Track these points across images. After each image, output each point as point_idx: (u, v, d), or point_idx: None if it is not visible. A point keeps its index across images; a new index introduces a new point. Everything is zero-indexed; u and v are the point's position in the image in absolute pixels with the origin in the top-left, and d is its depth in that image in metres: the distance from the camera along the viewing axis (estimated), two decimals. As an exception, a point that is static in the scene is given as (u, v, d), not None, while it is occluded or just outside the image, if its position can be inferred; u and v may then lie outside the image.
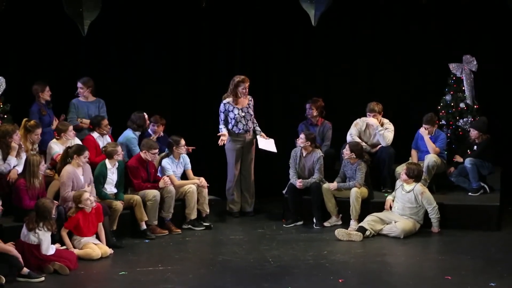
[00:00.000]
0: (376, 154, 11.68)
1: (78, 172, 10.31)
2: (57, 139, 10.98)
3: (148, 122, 11.62)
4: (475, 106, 12.17)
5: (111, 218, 10.44)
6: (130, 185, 10.98)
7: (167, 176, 11.05)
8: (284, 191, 11.46)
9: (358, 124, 11.80)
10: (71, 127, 11.04)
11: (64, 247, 9.82)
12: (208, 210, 11.31)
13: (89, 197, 9.99)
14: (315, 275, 9.19)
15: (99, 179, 10.59)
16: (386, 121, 11.76)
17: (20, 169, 10.26)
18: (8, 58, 12.29)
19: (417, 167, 10.85)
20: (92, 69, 12.48)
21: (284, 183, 11.47)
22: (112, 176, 10.72)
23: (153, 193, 10.82)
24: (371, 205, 11.09)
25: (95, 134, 11.31)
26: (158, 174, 11.23)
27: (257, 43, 12.94)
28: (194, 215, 11.19)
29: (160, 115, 11.75)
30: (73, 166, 10.31)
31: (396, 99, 12.72)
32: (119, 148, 10.78)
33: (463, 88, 12.16)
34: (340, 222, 11.20)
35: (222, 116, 11.56)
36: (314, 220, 11.23)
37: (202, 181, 11.28)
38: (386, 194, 11.26)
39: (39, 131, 10.77)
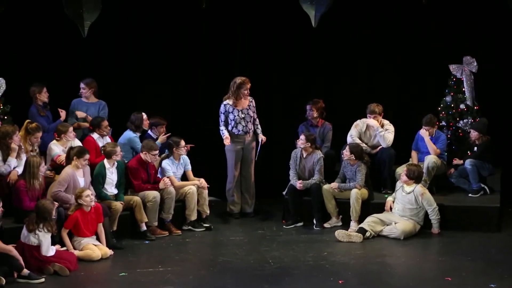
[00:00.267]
0: (377, 155, 11.67)
1: (77, 175, 10.30)
2: (57, 140, 10.98)
3: (147, 122, 11.60)
4: (475, 107, 12.17)
5: (111, 219, 10.44)
6: (130, 186, 10.97)
7: (167, 177, 11.05)
8: (284, 192, 11.45)
9: (358, 125, 11.79)
10: (71, 128, 11.04)
11: (64, 248, 9.81)
12: (208, 211, 11.31)
13: (90, 194, 9.98)
14: (315, 276, 9.19)
15: (98, 179, 10.59)
16: (386, 122, 11.76)
17: (20, 170, 10.26)
18: (8, 59, 12.30)
19: (418, 168, 10.84)
20: (92, 69, 12.50)
21: (284, 184, 11.47)
22: (112, 176, 10.72)
23: (153, 194, 10.82)
24: (371, 206, 11.09)
25: (95, 135, 11.31)
26: (158, 175, 11.23)
27: (257, 43, 12.94)
28: (194, 216, 11.19)
29: (160, 115, 11.74)
30: (72, 168, 10.30)
31: (396, 100, 12.73)
32: (118, 148, 10.78)
33: (463, 89, 12.16)
34: (340, 223, 11.20)
35: (222, 117, 11.56)
36: (314, 221, 11.23)
37: (202, 182, 11.28)
38: (386, 195, 11.25)
39: (39, 134, 10.77)
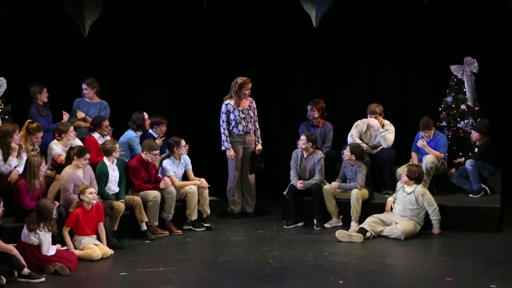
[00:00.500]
0: (377, 156, 11.67)
1: (78, 174, 10.31)
2: (57, 139, 10.98)
3: (148, 122, 11.61)
4: (476, 108, 12.17)
5: (112, 219, 10.44)
6: (131, 186, 10.97)
7: (168, 177, 11.06)
8: (284, 192, 11.46)
9: (358, 126, 11.79)
10: (71, 128, 11.04)
11: (64, 248, 9.81)
12: (208, 211, 11.31)
13: (93, 192, 9.98)
14: (315, 276, 9.19)
15: (101, 178, 10.59)
16: (387, 122, 11.76)
17: (21, 169, 10.26)
18: (9, 58, 12.30)
19: (418, 169, 10.84)
20: (93, 69, 12.49)
21: (285, 184, 11.47)
22: (114, 173, 10.73)
23: (153, 194, 10.82)
24: (371, 207, 11.09)
25: (96, 135, 11.31)
26: (159, 175, 11.23)
27: (258, 43, 12.93)
28: (194, 216, 11.19)
29: (161, 115, 11.74)
30: (72, 168, 10.30)
31: (396, 101, 12.72)
32: (117, 145, 10.80)
33: (464, 89, 12.16)
34: (340, 223, 11.20)
35: (224, 116, 11.55)
36: (315, 221, 11.23)
37: (203, 182, 11.27)
38: (386, 196, 11.25)
39: (40, 134, 10.77)
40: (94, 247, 9.92)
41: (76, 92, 11.97)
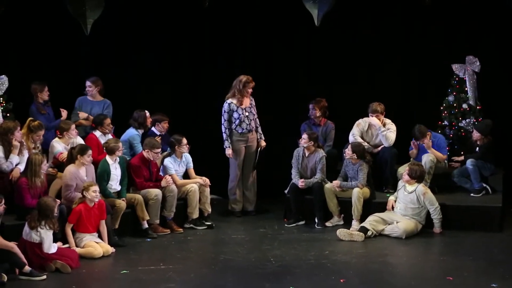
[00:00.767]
0: (378, 155, 11.67)
1: (81, 172, 10.31)
2: (59, 137, 10.99)
3: (149, 120, 11.61)
4: (477, 107, 12.17)
5: (114, 217, 10.45)
6: (132, 184, 10.98)
7: (169, 175, 11.06)
8: (286, 191, 11.46)
9: (360, 124, 11.79)
10: (73, 126, 11.04)
11: (66, 246, 9.82)
12: (210, 210, 11.32)
13: (97, 191, 9.99)
14: (316, 275, 9.19)
15: (103, 176, 10.60)
16: (388, 121, 11.76)
17: (22, 167, 10.27)
18: (11, 56, 12.31)
19: (420, 168, 10.83)
20: (94, 68, 12.49)
21: (286, 183, 11.47)
22: (116, 171, 10.74)
23: (155, 192, 10.83)
24: (373, 205, 11.08)
25: (97, 133, 11.32)
26: (160, 173, 11.23)
27: (258, 42, 12.94)
28: (196, 214, 11.19)
29: (162, 112, 11.75)
30: (76, 166, 10.31)
31: (398, 100, 12.72)
32: (120, 144, 10.81)
33: (466, 88, 12.16)
34: (342, 222, 11.20)
35: (226, 116, 11.54)
36: (316, 220, 11.23)
37: (206, 181, 11.27)
38: (388, 195, 11.25)
39: (42, 132, 10.77)
40: (95, 245, 9.92)
41: (77, 91, 11.96)
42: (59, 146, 10.91)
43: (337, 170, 11.58)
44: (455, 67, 12.17)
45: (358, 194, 10.94)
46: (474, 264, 9.55)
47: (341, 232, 10.57)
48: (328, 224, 11.21)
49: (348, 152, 11.19)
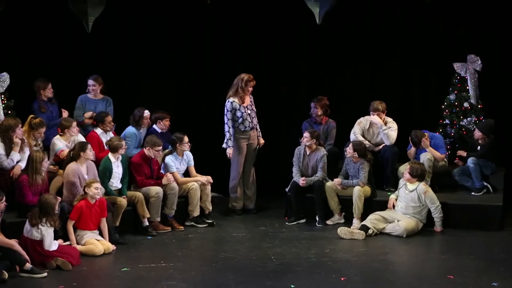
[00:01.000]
0: (380, 153, 11.67)
1: (82, 170, 10.32)
2: (60, 135, 10.99)
3: (146, 121, 11.56)
4: (479, 106, 12.16)
5: (115, 214, 10.45)
6: (133, 181, 10.98)
7: (171, 173, 11.06)
8: (287, 189, 11.46)
9: (361, 123, 11.79)
10: (74, 123, 11.04)
11: (67, 243, 9.83)
12: (210, 207, 11.33)
13: (99, 188, 9.99)
14: (317, 273, 9.18)
15: (105, 173, 10.61)
16: (389, 120, 11.75)
17: (23, 165, 10.28)
18: (12, 54, 12.30)
19: (421, 166, 10.83)
20: (95, 66, 12.49)
21: (287, 181, 11.47)
22: (118, 169, 10.74)
23: (156, 190, 10.83)
24: (374, 204, 11.08)
25: (98, 131, 11.33)
26: (161, 171, 11.23)
27: (261, 41, 12.93)
28: (197, 212, 11.20)
29: (163, 110, 11.75)
30: (78, 163, 10.31)
31: (399, 98, 12.71)
32: (123, 143, 10.82)
33: (467, 87, 12.15)
34: (342, 221, 11.20)
35: (229, 115, 11.52)
36: (317, 218, 11.23)
37: (209, 179, 11.26)
38: (389, 193, 11.25)
39: (43, 129, 10.78)
40: (96, 242, 9.93)
41: (78, 88, 11.96)
42: (60, 144, 10.91)
43: (338, 168, 11.58)
44: (457, 65, 12.17)
45: (359, 192, 10.94)
46: (475, 263, 9.55)
47: (342, 231, 10.57)
48: (329, 222, 11.21)
49: (349, 150, 11.19)
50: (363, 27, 12.83)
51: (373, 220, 10.66)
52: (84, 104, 11.76)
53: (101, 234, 10.13)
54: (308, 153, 11.37)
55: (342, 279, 8.98)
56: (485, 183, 11.43)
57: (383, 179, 11.61)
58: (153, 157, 10.99)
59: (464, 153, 11.68)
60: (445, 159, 11.62)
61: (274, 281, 8.92)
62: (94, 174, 10.45)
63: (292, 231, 10.98)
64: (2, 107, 11.21)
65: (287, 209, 11.55)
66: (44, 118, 11.08)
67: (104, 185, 10.48)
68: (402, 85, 12.82)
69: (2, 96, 11.31)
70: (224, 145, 11.56)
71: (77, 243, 9.91)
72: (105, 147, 11.12)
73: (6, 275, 8.87)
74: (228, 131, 11.54)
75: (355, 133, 11.71)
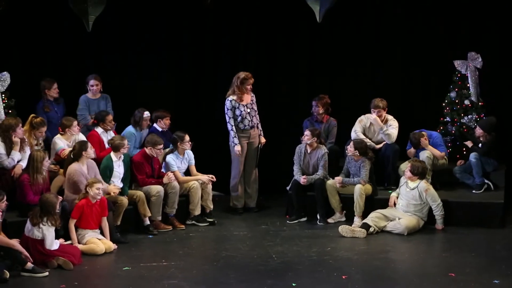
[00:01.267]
0: (381, 151, 11.66)
1: (84, 169, 10.31)
2: (61, 134, 10.99)
3: (145, 122, 11.54)
4: (479, 103, 12.15)
5: (116, 213, 10.45)
6: (134, 180, 10.99)
7: (172, 172, 11.06)
8: (288, 188, 11.45)
9: (362, 121, 11.78)
10: (75, 122, 11.04)
11: (68, 242, 9.83)
12: (212, 206, 11.32)
13: (101, 189, 9.99)
14: (318, 272, 9.19)
15: (106, 172, 10.61)
16: (390, 117, 11.74)
17: (24, 164, 10.28)
18: (13, 53, 12.30)
19: (422, 164, 10.83)
20: (96, 66, 12.48)
21: (288, 180, 11.46)
22: (119, 169, 10.74)
23: (157, 189, 10.83)
24: (375, 202, 11.08)
25: (99, 130, 11.32)
26: (162, 170, 11.23)
27: (261, 39, 12.92)
28: (198, 211, 11.20)
29: (163, 109, 11.75)
30: (80, 163, 10.30)
31: (400, 96, 12.69)
32: (125, 141, 10.82)
33: (468, 85, 12.14)
34: (344, 219, 11.19)
35: (229, 113, 11.52)
36: (318, 217, 11.23)
37: (212, 178, 11.25)
38: (390, 191, 11.25)
39: (44, 129, 10.78)
40: (97, 241, 9.92)
41: (78, 88, 11.96)
42: (61, 143, 10.91)
43: (339, 166, 11.57)
44: (457, 63, 12.16)
45: (360, 190, 10.93)
46: (476, 261, 9.55)
47: (343, 229, 10.57)
48: (330, 220, 11.21)
49: (350, 149, 11.18)
50: (363, 27, 12.81)
51: (374, 218, 10.66)
52: (88, 105, 11.75)
53: (102, 233, 10.13)
54: (309, 151, 11.37)
55: (343, 277, 8.98)
56: (486, 180, 11.41)
57: (384, 177, 11.60)
58: (154, 155, 10.99)
59: (470, 144, 11.64)
60: (445, 157, 11.61)
61: (275, 279, 8.92)
62: (95, 173, 10.44)
63: (293, 230, 10.98)
64: (2, 106, 11.22)
65: (288, 207, 11.54)
66: (49, 118, 11.09)
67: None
68: (403, 82, 12.80)
69: (3, 95, 11.32)
70: (231, 143, 11.55)
71: (78, 242, 9.91)
72: (106, 146, 11.13)
73: (7, 274, 8.88)
74: (232, 130, 11.53)
75: (356, 131, 11.70)
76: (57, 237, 9.56)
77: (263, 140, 11.79)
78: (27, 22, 12.37)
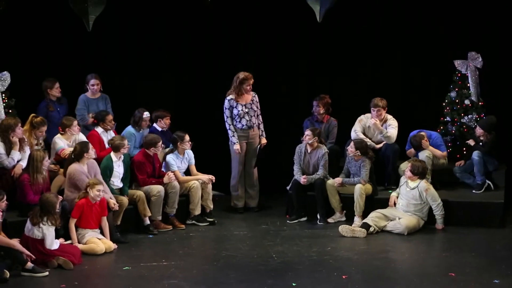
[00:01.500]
0: (381, 151, 11.66)
1: (85, 169, 10.31)
2: (61, 134, 10.98)
3: (145, 123, 11.54)
4: (480, 103, 12.15)
5: (116, 213, 10.44)
6: (134, 180, 10.99)
7: (172, 172, 11.07)
8: (288, 187, 11.45)
9: (362, 121, 11.78)
10: (75, 122, 11.03)
11: (68, 242, 9.82)
12: (212, 206, 11.32)
13: (101, 190, 9.98)
14: (318, 271, 9.18)
15: (106, 172, 10.61)
16: (390, 117, 11.74)
17: (24, 163, 10.28)
18: (13, 53, 12.30)
19: (422, 164, 10.83)
20: (96, 66, 12.47)
21: (288, 179, 11.46)
22: (119, 169, 10.74)
23: (157, 189, 10.83)
24: (375, 202, 11.08)
25: (99, 129, 11.32)
26: (163, 169, 11.23)
27: (261, 39, 12.92)
28: (198, 211, 11.20)
29: (163, 109, 11.75)
30: (81, 163, 10.30)
31: (400, 96, 12.69)
32: (126, 141, 10.82)
33: (468, 84, 12.14)
34: (344, 219, 11.19)
35: (227, 112, 11.54)
36: (318, 216, 11.23)
37: (212, 179, 11.25)
38: (390, 191, 11.25)
39: (44, 128, 10.78)
40: (97, 241, 9.92)
41: (78, 88, 11.95)
42: (61, 143, 10.91)
43: (340, 166, 11.57)
44: (457, 63, 12.16)
45: (360, 190, 10.93)
46: (476, 260, 9.55)
47: (343, 229, 10.57)
48: (330, 220, 11.21)
49: (351, 149, 11.17)
50: (363, 27, 12.81)
51: (375, 218, 10.66)
52: (87, 105, 11.75)
53: (102, 233, 10.13)
54: (309, 151, 11.37)
55: (343, 277, 8.98)
56: (487, 180, 11.41)
57: (384, 177, 11.60)
58: (156, 153, 10.99)
59: (472, 142, 11.64)
60: (445, 157, 11.60)
61: (275, 279, 8.91)
62: (96, 173, 10.44)
63: (293, 229, 10.98)
64: (3, 106, 11.22)
65: (288, 207, 11.54)
66: (52, 117, 11.10)
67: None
68: (403, 82, 12.79)
69: (3, 95, 11.32)
70: (230, 143, 11.56)
71: (79, 242, 9.90)
72: (106, 146, 11.13)
73: (7, 274, 8.87)
74: (230, 129, 11.54)
75: (356, 131, 11.70)
76: (57, 237, 9.55)
77: (263, 141, 11.78)
78: (27, 22, 12.37)
